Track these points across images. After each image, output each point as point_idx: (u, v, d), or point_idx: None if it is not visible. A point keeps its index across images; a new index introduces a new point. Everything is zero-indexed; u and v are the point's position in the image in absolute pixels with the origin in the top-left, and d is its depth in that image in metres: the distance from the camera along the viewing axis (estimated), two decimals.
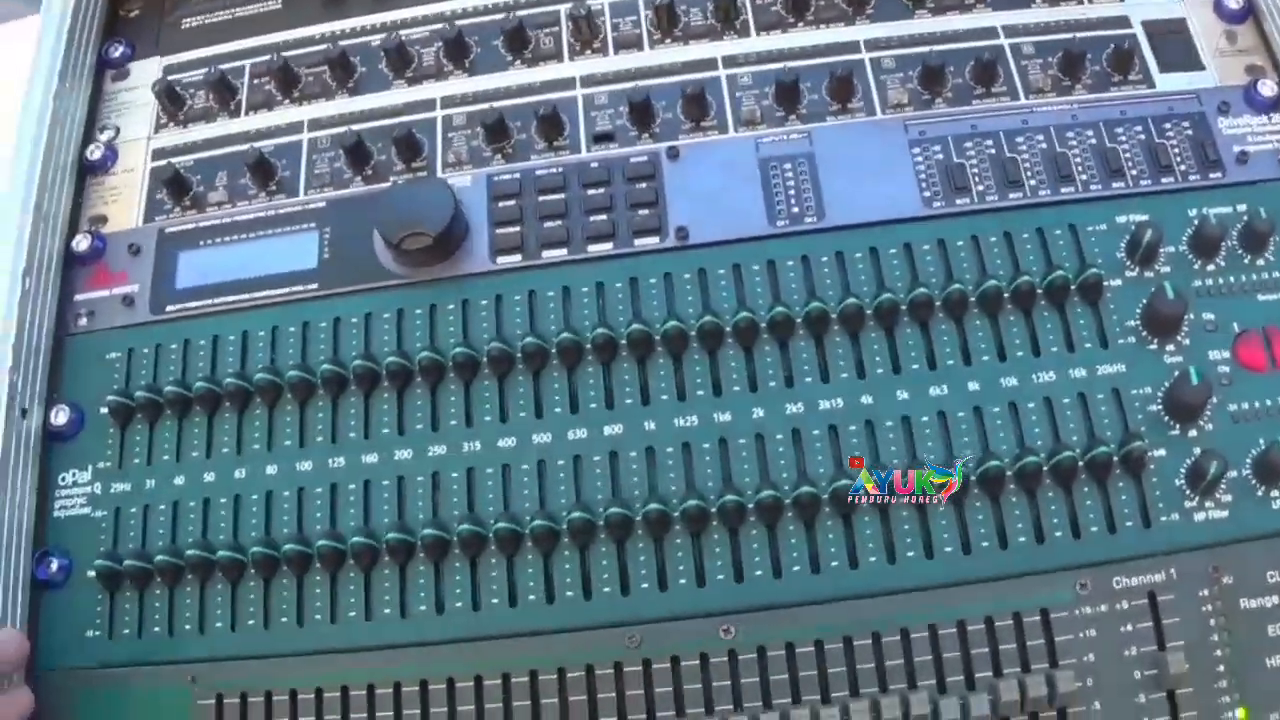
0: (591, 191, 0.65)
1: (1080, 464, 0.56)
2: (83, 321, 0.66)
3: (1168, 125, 0.64)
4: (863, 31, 0.69)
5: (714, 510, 0.57)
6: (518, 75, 0.70)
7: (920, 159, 0.64)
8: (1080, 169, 0.63)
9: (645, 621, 0.56)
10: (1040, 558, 0.55)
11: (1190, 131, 0.64)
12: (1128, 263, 0.61)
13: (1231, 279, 0.60)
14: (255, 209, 0.68)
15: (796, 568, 0.56)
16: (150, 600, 0.59)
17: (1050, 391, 0.58)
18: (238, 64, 0.73)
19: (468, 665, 0.55)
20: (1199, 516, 0.56)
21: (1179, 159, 0.63)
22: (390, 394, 0.62)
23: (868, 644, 0.54)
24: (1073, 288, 0.60)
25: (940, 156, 0.64)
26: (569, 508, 0.57)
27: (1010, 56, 0.67)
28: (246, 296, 0.65)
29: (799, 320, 0.60)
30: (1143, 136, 0.64)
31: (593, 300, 0.63)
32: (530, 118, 0.68)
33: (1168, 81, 0.66)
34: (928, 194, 0.63)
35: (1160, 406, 0.58)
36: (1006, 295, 0.60)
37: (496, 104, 0.68)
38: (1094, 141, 0.64)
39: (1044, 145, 0.64)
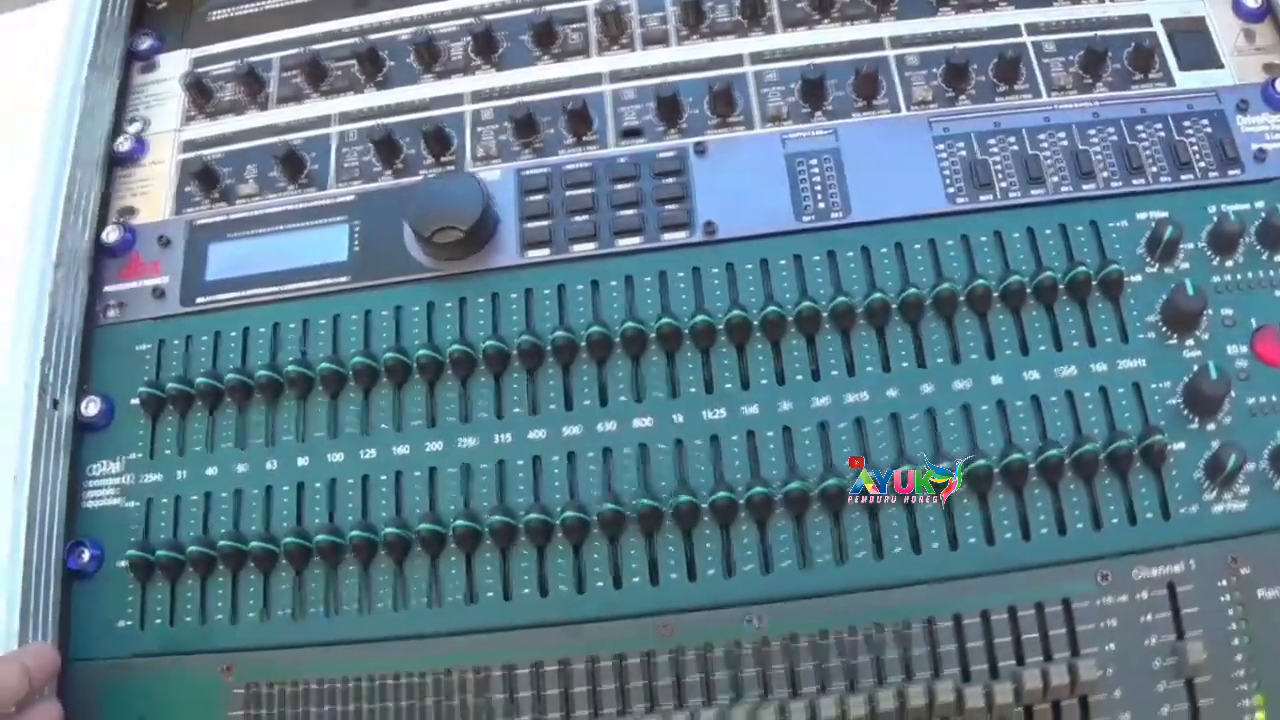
0: (620, 186, 0.66)
1: (1101, 457, 0.57)
2: (113, 313, 0.67)
3: (1187, 123, 0.65)
4: (887, 28, 0.69)
5: (742, 502, 0.57)
6: (545, 70, 0.70)
7: (944, 155, 0.65)
8: (1101, 166, 0.64)
9: (675, 611, 0.56)
10: (1062, 549, 0.56)
11: (1209, 129, 0.65)
12: (1148, 259, 0.61)
13: (1249, 275, 0.61)
14: (285, 202, 0.68)
15: (823, 559, 0.57)
16: (182, 590, 0.60)
17: (1072, 385, 0.59)
18: (266, 57, 0.73)
19: (499, 654, 0.56)
20: (1217, 509, 0.56)
21: (1198, 156, 0.64)
22: (421, 386, 0.62)
23: (893, 633, 0.55)
24: (1094, 283, 0.60)
25: (964, 153, 0.65)
26: (600, 499, 0.58)
27: (1032, 54, 0.68)
28: (277, 289, 0.65)
29: (825, 314, 0.61)
30: (1163, 134, 0.65)
31: (621, 294, 0.63)
32: (558, 113, 0.68)
33: (1187, 79, 0.67)
34: (952, 190, 0.64)
35: (1180, 400, 0.58)
36: (1029, 290, 0.60)
37: (525, 99, 0.69)
38: (1115, 139, 0.65)
39: (1065, 142, 0.65)
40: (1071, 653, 0.54)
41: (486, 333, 0.62)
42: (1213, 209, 0.62)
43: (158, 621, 0.60)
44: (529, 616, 0.57)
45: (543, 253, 0.65)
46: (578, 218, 0.65)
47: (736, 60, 0.69)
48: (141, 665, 0.59)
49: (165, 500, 0.62)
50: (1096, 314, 0.60)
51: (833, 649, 0.55)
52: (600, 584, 0.58)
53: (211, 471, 0.62)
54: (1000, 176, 0.64)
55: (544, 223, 0.65)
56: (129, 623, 0.60)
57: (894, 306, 0.61)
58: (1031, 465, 0.57)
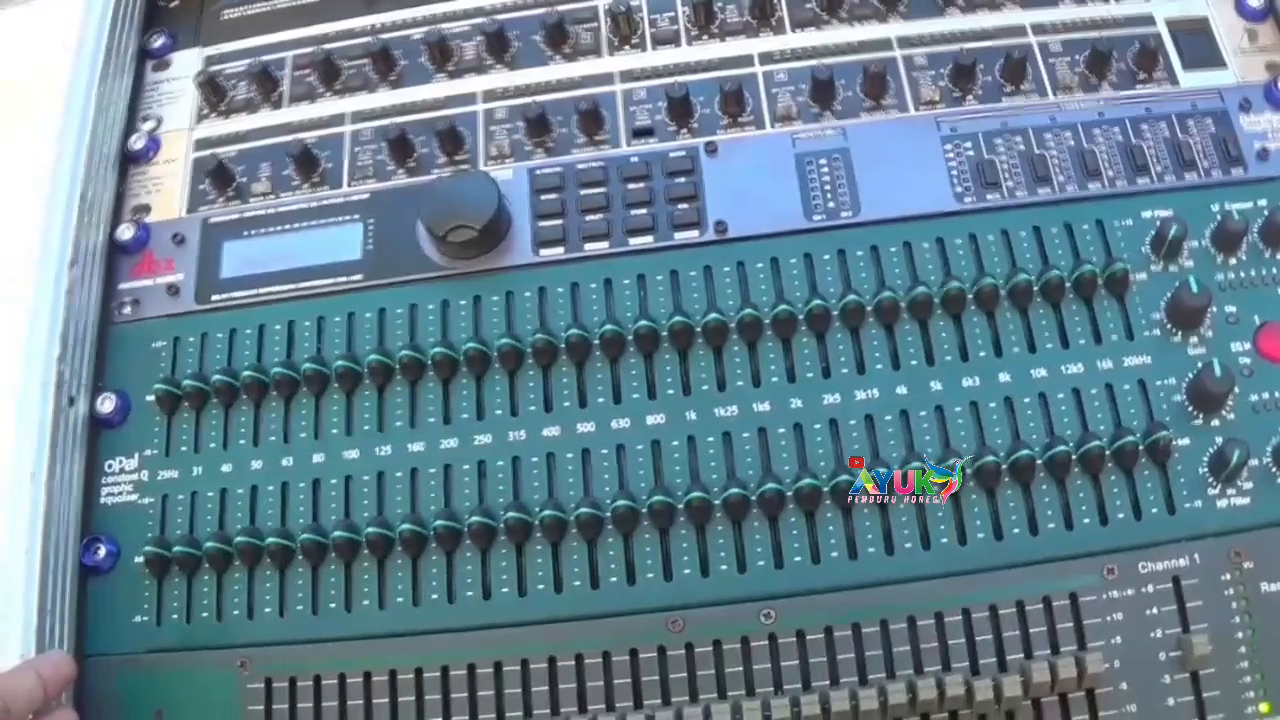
0: (632, 185, 0.66)
1: (1107, 453, 0.57)
2: (127, 310, 0.67)
3: (1191, 122, 0.66)
4: (895, 29, 0.70)
5: (754, 498, 0.58)
6: (557, 70, 0.71)
7: (952, 155, 0.66)
8: (1106, 165, 0.65)
9: (688, 606, 0.57)
10: (1069, 544, 0.57)
11: (1213, 128, 0.66)
12: (1153, 257, 0.62)
13: (1253, 273, 0.62)
14: (299, 200, 0.69)
15: (834, 554, 0.58)
16: (198, 586, 0.60)
17: (1078, 382, 0.60)
18: (279, 56, 0.73)
19: (514, 649, 0.57)
20: (1221, 504, 0.57)
21: (1202, 155, 0.65)
22: (436, 384, 0.63)
23: (903, 628, 0.55)
24: (1100, 282, 0.61)
25: (971, 153, 0.66)
26: (613, 495, 0.59)
27: (1038, 54, 0.68)
28: (291, 287, 0.66)
29: (835, 313, 0.62)
30: (1167, 133, 0.66)
31: (634, 292, 0.64)
32: (571, 112, 0.68)
33: (1191, 79, 0.67)
34: (959, 189, 0.65)
35: (1184, 397, 0.59)
36: (1036, 289, 0.61)
37: (537, 98, 0.69)
38: (1120, 138, 0.66)
39: (1071, 142, 0.66)
40: (1078, 646, 0.55)
41: (500, 331, 0.63)
42: (1216, 208, 0.63)
43: (174, 617, 0.60)
44: (543, 612, 0.58)
45: (556, 251, 0.65)
46: (590, 217, 0.66)
47: (746, 60, 0.70)
48: (158, 660, 0.59)
49: (181, 496, 0.62)
50: (1102, 312, 0.61)
51: (844, 643, 0.55)
52: (614, 579, 0.58)
53: (227, 468, 0.62)
54: (1007, 176, 0.65)
55: (557, 221, 0.66)
56: (145, 618, 0.60)
57: (903, 305, 0.61)
58: (1039, 461, 0.58)
